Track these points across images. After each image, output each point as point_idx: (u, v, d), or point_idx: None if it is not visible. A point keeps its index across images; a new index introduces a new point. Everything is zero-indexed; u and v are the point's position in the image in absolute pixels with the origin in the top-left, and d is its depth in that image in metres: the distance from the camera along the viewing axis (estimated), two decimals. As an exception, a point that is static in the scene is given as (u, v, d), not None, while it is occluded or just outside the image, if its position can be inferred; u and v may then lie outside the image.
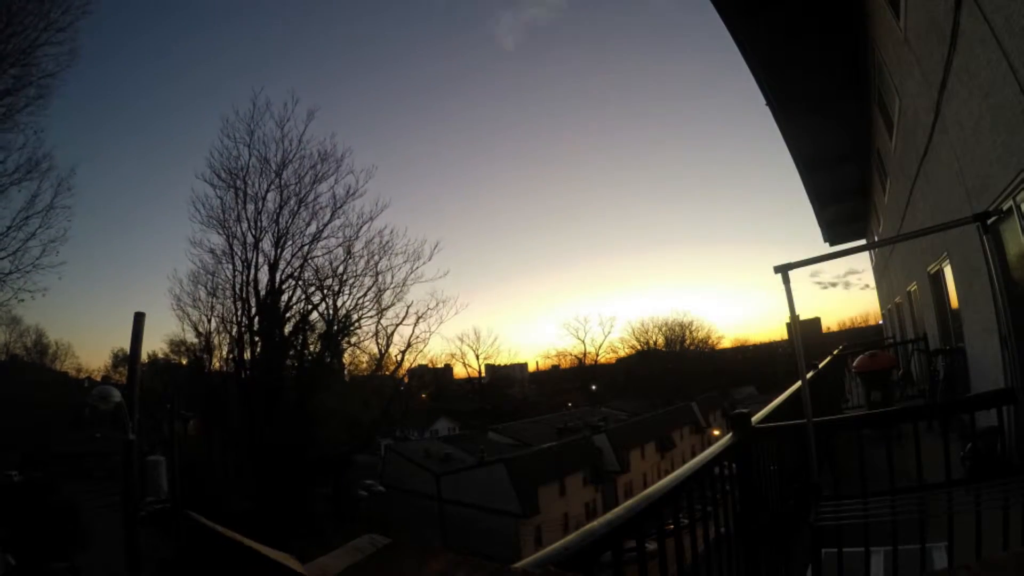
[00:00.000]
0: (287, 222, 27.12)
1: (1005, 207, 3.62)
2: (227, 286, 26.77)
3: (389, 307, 28.70)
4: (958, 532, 2.50)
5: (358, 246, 28.49)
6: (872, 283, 18.97)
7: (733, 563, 2.33)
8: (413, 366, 34.67)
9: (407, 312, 28.88)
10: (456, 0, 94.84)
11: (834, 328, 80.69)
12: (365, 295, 28.39)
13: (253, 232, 26.67)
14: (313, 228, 27.69)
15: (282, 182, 27.13)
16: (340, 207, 28.00)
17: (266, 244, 26.90)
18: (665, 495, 1.81)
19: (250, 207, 26.74)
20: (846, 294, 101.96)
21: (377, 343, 28.85)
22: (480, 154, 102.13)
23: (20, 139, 18.57)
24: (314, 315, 28.18)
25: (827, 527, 2.79)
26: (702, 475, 2.16)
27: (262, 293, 26.58)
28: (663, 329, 70.68)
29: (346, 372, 30.37)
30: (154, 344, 36.35)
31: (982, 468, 3.37)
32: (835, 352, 10.92)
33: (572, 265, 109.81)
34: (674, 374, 62.13)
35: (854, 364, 8.24)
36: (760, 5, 6.50)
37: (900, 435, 3.45)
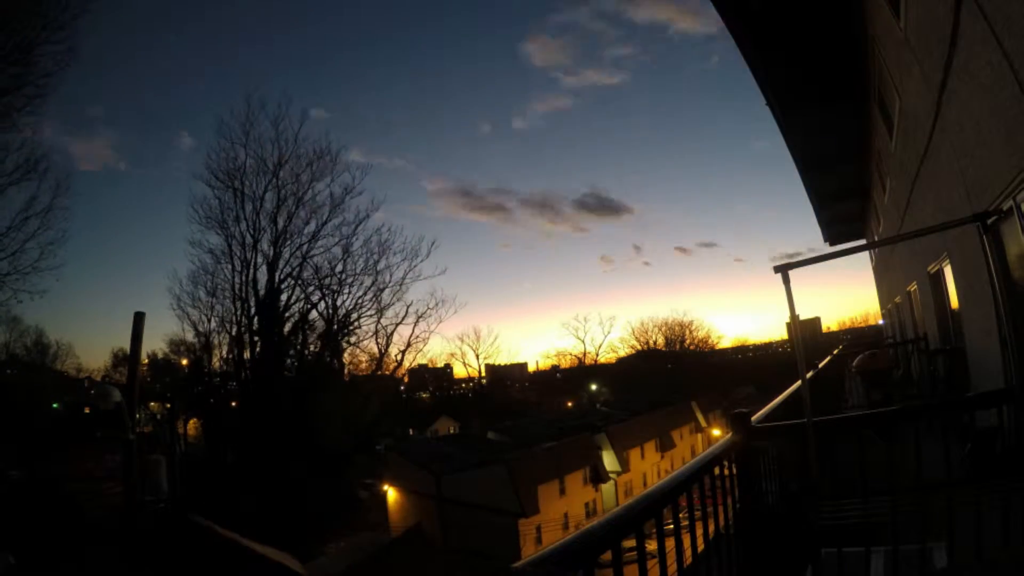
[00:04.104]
0: (285, 222, 27.21)
1: (1005, 207, 3.62)
2: (226, 286, 26.84)
3: (388, 306, 28.78)
4: (958, 532, 2.50)
5: (356, 244, 28.60)
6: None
7: (733, 563, 2.33)
8: (413, 366, 34.78)
9: (407, 311, 28.98)
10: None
11: (834, 328, 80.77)
12: (364, 294, 28.46)
13: (251, 232, 26.73)
14: (311, 227, 27.80)
15: (279, 182, 27.22)
16: (338, 206, 28.11)
17: (264, 244, 26.98)
18: (665, 495, 1.82)
19: (248, 207, 26.83)
20: (846, 293, 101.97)
21: (377, 343, 28.90)
22: (479, 151, 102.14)
23: (18, 139, 18.59)
24: (313, 314, 28.25)
25: (827, 527, 2.79)
26: (702, 475, 2.16)
27: (261, 293, 26.60)
28: (663, 329, 70.70)
29: (346, 372, 30.38)
30: (154, 344, 36.33)
31: (982, 468, 3.38)
32: (835, 352, 10.92)
33: (572, 264, 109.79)
34: (674, 374, 62.10)
35: (854, 364, 8.25)
36: (761, 5, 6.49)
37: (900, 435, 3.45)
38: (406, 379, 35.78)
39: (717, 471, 2.37)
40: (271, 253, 26.87)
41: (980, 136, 3.91)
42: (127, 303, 75.29)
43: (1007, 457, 3.07)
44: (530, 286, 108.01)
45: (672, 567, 1.78)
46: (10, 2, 16.78)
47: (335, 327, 27.97)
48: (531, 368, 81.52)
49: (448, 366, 69.02)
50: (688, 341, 71.23)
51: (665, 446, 40.78)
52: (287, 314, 27.28)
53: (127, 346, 10.08)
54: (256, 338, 26.44)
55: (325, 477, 25.95)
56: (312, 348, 28.24)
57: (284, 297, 27.30)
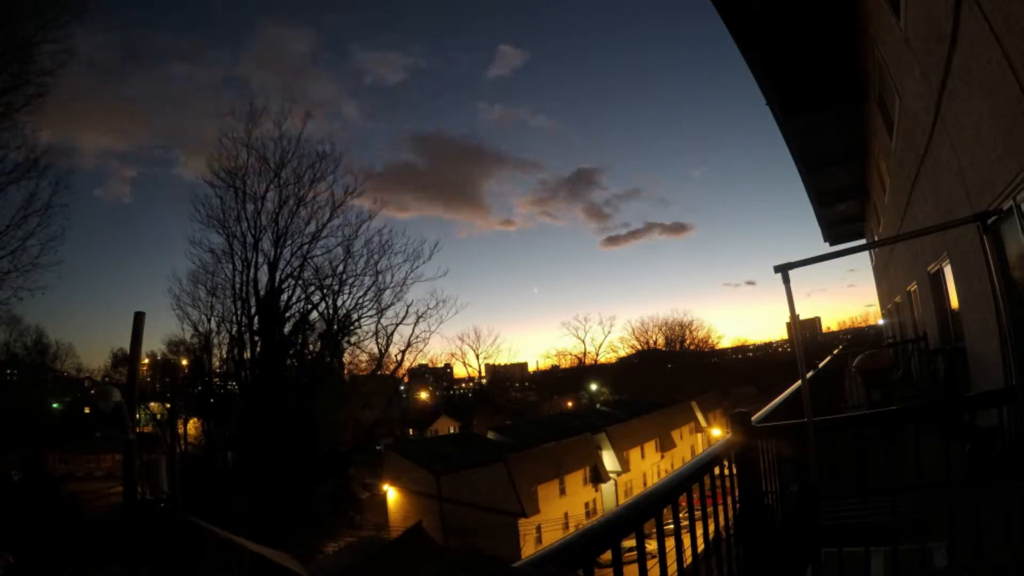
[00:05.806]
0: (286, 222, 27.14)
1: (1005, 207, 3.62)
2: (227, 286, 26.78)
3: (389, 307, 28.72)
4: (958, 532, 2.50)
5: (357, 245, 28.52)
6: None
7: (733, 563, 2.33)
8: (413, 366, 34.69)
9: (407, 311, 28.91)
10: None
11: (834, 328, 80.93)
12: (365, 295, 28.41)
13: (252, 232, 26.69)
14: (312, 227, 27.73)
15: (281, 182, 27.16)
16: (339, 206, 28.02)
17: (265, 244, 26.92)
18: (665, 495, 1.81)
19: (249, 207, 26.77)
20: (847, 292, 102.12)
21: (377, 343, 28.85)
22: (478, 147, 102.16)
23: (18, 137, 18.55)
24: (314, 315, 28.18)
25: (827, 527, 2.79)
26: (702, 475, 2.16)
27: (262, 293, 26.57)
28: (663, 329, 70.64)
29: (346, 372, 30.33)
30: (154, 344, 36.33)
31: (982, 468, 3.38)
32: (835, 352, 10.92)
33: (573, 263, 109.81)
34: (674, 374, 62.06)
35: (854, 364, 8.24)
36: (761, 5, 6.50)
37: (900, 435, 3.45)
38: (406, 379, 35.72)
39: (717, 471, 2.37)
40: (272, 253, 26.88)
41: (980, 136, 3.91)
42: (127, 303, 75.43)
43: (1007, 457, 3.07)
44: (538, 291, 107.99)
45: (672, 567, 1.78)
46: (9, 1, 16.75)
47: (335, 327, 27.95)
48: (531, 368, 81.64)
49: (448, 366, 69.09)
50: (688, 341, 71.22)
51: (665, 446, 40.76)
52: (287, 314, 27.26)
53: (127, 346, 10.08)
54: (256, 338, 26.42)
55: (325, 477, 25.93)
56: (312, 348, 28.22)
57: (284, 297, 27.29)
